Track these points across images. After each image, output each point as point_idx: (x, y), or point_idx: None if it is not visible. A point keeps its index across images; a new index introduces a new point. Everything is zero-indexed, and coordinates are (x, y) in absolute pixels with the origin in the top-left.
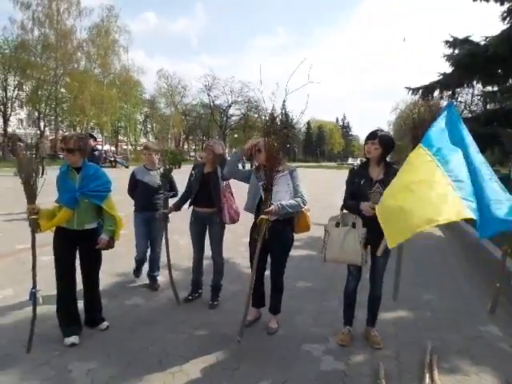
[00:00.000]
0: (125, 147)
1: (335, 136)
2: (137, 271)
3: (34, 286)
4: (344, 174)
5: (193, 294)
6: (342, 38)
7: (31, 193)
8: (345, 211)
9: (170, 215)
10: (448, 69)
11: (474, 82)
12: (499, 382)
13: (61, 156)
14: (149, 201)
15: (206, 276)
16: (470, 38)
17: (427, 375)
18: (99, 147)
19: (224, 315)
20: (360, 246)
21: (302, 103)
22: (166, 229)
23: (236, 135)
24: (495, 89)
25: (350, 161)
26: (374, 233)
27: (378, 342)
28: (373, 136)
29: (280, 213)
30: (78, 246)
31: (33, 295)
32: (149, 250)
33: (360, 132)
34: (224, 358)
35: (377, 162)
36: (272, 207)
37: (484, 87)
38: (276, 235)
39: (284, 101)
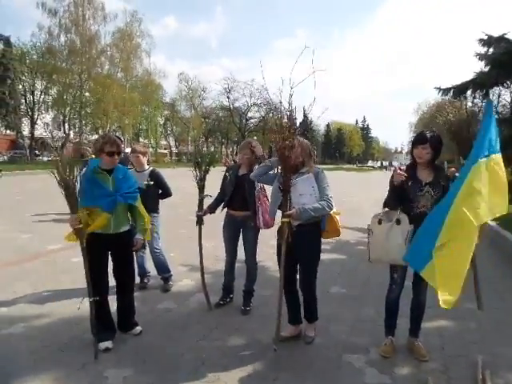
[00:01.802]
0: None
1: (355, 138)
2: (140, 277)
3: (90, 295)
4: (365, 176)
5: (224, 298)
6: (361, 41)
7: (74, 202)
8: (387, 209)
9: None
10: (477, 68)
11: (509, 82)
12: None
13: (88, 159)
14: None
15: (237, 280)
16: (506, 36)
17: None
18: (127, 150)
19: (257, 321)
20: (406, 243)
21: (321, 105)
22: (200, 231)
23: (255, 137)
24: None
25: (370, 163)
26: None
27: (424, 354)
28: (423, 140)
29: (302, 217)
30: (111, 251)
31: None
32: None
33: (380, 134)
34: (261, 368)
35: (426, 165)
36: (293, 210)
37: None
38: (302, 241)
39: (291, 95)
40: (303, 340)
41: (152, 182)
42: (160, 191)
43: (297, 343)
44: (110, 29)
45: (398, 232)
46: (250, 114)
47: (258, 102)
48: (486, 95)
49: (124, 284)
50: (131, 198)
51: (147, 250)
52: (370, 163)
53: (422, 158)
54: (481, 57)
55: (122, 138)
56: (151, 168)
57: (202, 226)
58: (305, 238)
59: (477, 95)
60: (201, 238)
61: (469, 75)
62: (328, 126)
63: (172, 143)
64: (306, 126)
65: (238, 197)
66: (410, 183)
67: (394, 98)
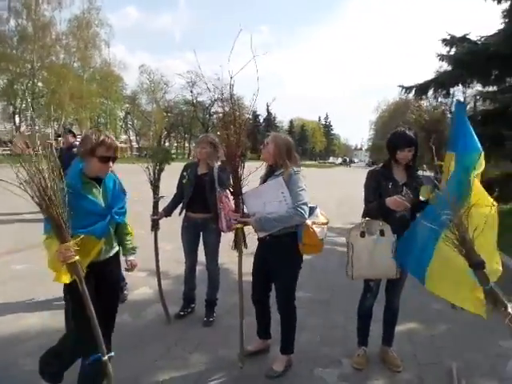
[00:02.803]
0: None
1: (317, 135)
2: None
3: (103, 352)
4: (328, 173)
5: (185, 309)
6: (324, 39)
7: (62, 226)
8: (367, 218)
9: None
10: (434, 68)
11: (469, 81)
12: None
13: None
14: None
15: (199, 287)
16: (468, 37)
17: None
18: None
19: (221, 334)
20: (392, 255)
21: (287, 102)
22: (155, 236)
23: (219, 133)
24: (491, 89)
25: (331, 160)
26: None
27: (398, 364)
28: (411, 143)
29: (265, 227)
30: (96, 281)
31: (101, 363)
32: None
33: (341, 131)
34: None
35: (403, 166)
36: (251, 219)
37: (484, 87)
38: (275, 254)
39: (232, 85)
40: (266, 373)
41: None
42: None
43: (265, 358)
44: (66, 16)
45: (385, 244)
46: (213, 109)
47: (222, 96)
48: (447, 94)
49: (109, 318)
50: (124, 213)
51: None
52: (331, 159)
53: (407, 159)
54: (442, 57)
55: (74, 132)
56: None
57: (158, 231)
58: (278, 251)
59: (438, 95)
60: (157, 243)
61: (428, 75)
62: (291, 122)
63: (133, 138)
64: (270, 122)
65: (197, 198)
66: (390, 185)
67: (355, 95)
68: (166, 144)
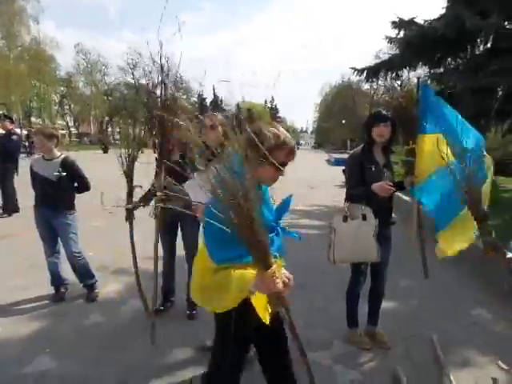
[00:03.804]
0: None
1: (264, 118)
2: (55, 287)
3: None
4: None
5: (165, 303)
6: (269, 19)
7: (267, 244)
8: (349, 203)
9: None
10: (385, 50)
11: (415, 64)
12: None
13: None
14: (48, 196)
15: (178, 279)
16: (416, 20)
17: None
18: (18, 131)
19: (209, 325)
20: (374, 239)
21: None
22: (131, 228)
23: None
24: (435, 70)
25: None
26: (381, 221)
27: (386, 341)
28: (385, 118)
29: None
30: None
31: None
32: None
33: (287, 114)
34: None
35: (381, 146)
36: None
37: (431, 69)
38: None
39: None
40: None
41: (65, 173)
42: (76, 184)
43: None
44: None
45: (367, 228)
46: (158, 93)
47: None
48: (397, 77)
49: None
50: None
51: (62, 255)
52: None
53: (384, 136)
54: (390, 40)
55: (12, 117)
56: (63, 155)
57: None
58: None
59: (388, 77)
60: (132, 235)
61: (370, 58)
62: (238, 105)
63: (71, 123)
64: (217, 105)
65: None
66: (373, 167)
67: (300, 78)
68: (109, 129)
